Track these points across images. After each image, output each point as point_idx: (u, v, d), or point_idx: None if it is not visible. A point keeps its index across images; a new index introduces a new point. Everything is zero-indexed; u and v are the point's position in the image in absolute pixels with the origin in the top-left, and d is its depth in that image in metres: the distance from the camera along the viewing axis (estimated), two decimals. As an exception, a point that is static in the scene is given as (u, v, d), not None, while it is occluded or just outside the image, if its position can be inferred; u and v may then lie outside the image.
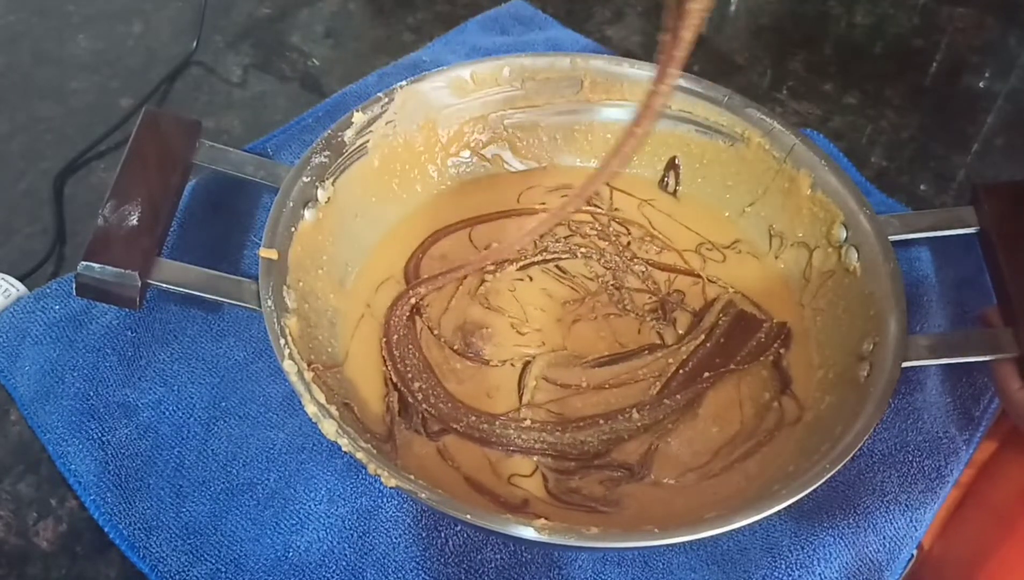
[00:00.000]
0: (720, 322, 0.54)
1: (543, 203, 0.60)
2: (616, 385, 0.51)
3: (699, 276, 0.56)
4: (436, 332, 0.53)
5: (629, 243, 0.58)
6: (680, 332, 0.54)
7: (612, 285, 0.55)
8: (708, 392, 0.51)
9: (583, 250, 0.57)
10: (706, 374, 0.51)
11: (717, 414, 0.50)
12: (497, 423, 0.49)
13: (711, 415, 0.50)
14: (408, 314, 0.53)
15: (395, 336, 0.52)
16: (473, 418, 0.49)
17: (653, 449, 0.48)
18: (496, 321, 0.54)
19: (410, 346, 0.52)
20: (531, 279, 0.56)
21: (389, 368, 0.50)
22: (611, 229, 0.59)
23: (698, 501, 0.46)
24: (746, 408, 0.50)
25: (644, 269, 0.56)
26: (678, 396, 0.50)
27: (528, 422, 0.49)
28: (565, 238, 0.58)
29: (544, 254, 0.57)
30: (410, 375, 0.50)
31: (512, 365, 0.52)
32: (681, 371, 0.51)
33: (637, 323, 0.54)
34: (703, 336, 0.53)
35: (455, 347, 0.52)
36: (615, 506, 0.46)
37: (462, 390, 0.50)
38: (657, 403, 0.50)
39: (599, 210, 0.60)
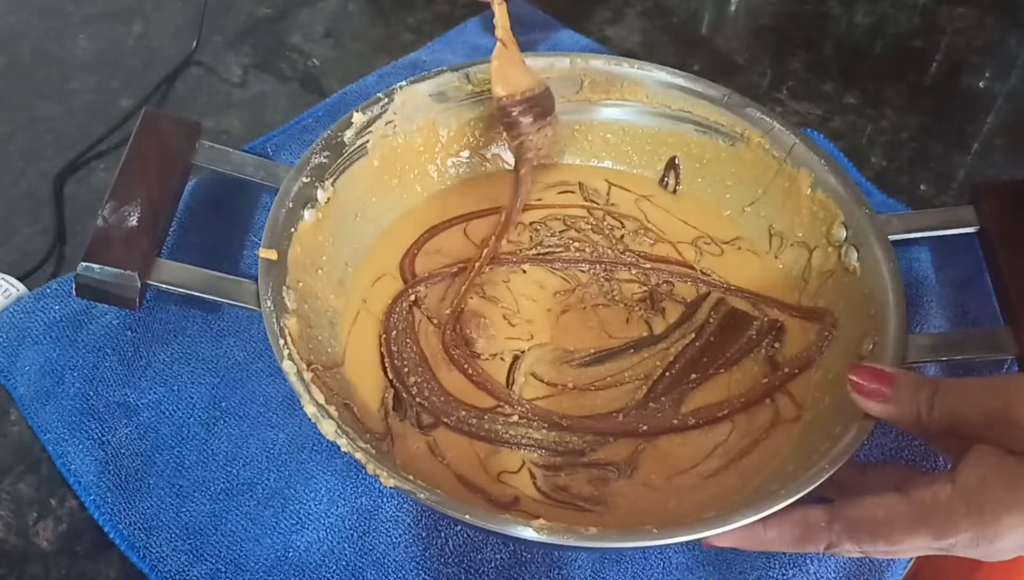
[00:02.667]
0: (711, 320, 0.54)
1: (539, 199, 0.60)
2: (602, 387, 0.51)
3: (692, 268, 0.56)
4: (436, 321, 0.53)
5: (623, 236, 0.58)
6: (669, 322, 0.54)
7: (602, 276, 0.56)
8: (696, 392, 0.51)
9: (576, 245, 0.57)
10: (692, 376, 0.51)
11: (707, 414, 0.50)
12: (486, 417, 0.49)
13: (700, 415, 0.50)
14: (407, 309, 0.53)
15: (393, 332, 0.52)
16: (463, 412, 0.49)
17: (640, 449, 0.48)
18: (490, 311, 0.54)
19: (408, 340, 0.52)
20: (524, 271, 0.56)
21: (386, 364, 0.51)
22: (605, 223, 0.59)
23: (692, 501, 0.46)
24: (737, 406, 0.50)
25: (635, 260, 0.56)
26: (664, 398, 0.50)
27: (516, 418, 0.49)
28: (560, 233, 0.58)
29: (539, 248, 0.57)
30: (406, 370, 0.50)
31: (502, 359, 0.52)
32: (667, 374, 0.51)
33: (625, 313, 0.54)
34: (692, 335, 0.53)
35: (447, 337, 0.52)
36: (604, 505, 0.46)
37: (452, 378, 0.50)
38: (643, 407, 0.50)
39: (595, 205, 0.60)
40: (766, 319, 0.54)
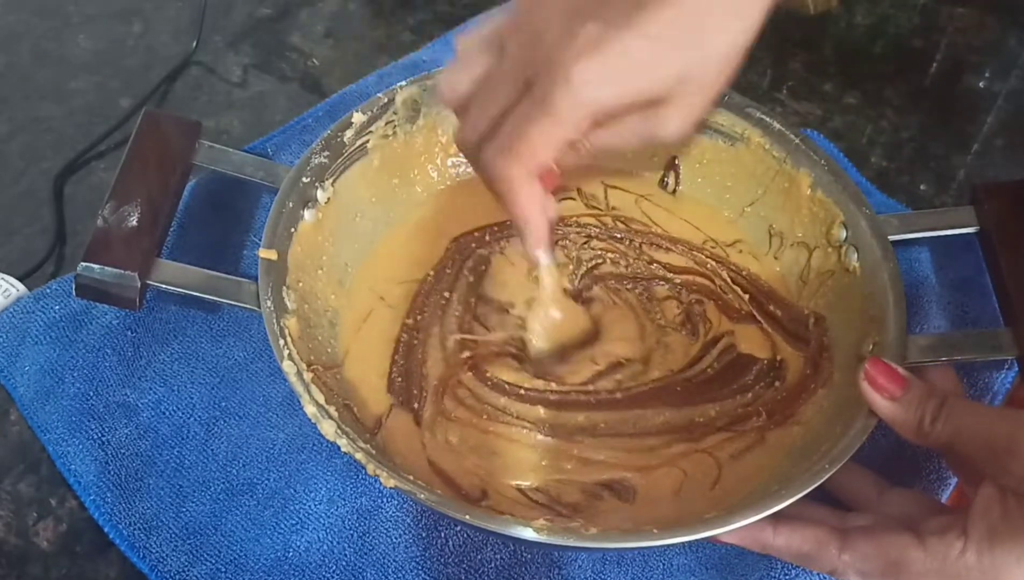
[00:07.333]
0: (715, 364, 0.52)
1: None
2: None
3: (712, 281, 0.55)
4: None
5: (641, 244, 0.57)
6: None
7: (644, 297, 0.54)
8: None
9: (611, 256, 0.56)
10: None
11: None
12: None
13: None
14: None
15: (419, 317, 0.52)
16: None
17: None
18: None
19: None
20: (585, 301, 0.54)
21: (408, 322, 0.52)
22: (618, 228, 0.58)
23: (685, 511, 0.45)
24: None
25: (664, 273, 0.55)
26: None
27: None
28: (584, 243, 0.57)
29: (584, 265, 0.56)
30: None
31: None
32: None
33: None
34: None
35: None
36: (586, 516, 0.45)
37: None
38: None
39: (599, 210, 0.59)
40: (766, 361, 0.52)
